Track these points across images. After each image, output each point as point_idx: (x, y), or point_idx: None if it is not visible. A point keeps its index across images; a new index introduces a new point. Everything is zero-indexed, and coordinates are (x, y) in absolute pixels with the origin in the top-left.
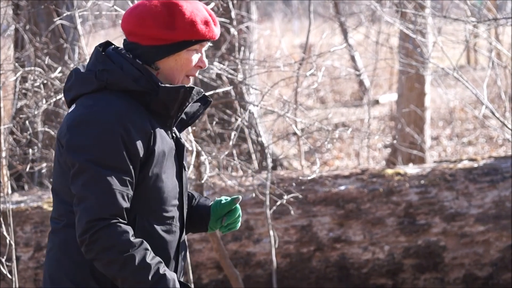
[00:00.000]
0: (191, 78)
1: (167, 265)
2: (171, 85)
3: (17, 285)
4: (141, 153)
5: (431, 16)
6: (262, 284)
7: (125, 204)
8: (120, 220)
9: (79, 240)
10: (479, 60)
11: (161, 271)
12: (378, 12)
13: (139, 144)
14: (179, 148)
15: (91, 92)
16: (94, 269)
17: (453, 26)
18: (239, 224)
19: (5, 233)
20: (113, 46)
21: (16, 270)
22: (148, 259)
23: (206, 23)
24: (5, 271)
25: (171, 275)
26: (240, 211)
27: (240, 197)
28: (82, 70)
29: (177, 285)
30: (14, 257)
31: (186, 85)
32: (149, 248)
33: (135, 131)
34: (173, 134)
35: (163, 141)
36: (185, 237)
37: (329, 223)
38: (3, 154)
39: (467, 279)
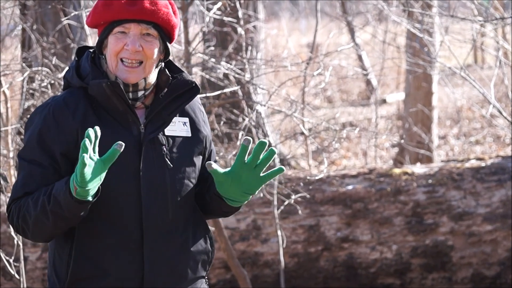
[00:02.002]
0: (140, 68)
1: (102, 263)
2: (97, 80)
3: (25, 286)
4: (61, 146)
5: (438, 15)
6: (270, 284)
7: (28, 191)
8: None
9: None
10: (486, 59)
11: (50, 187)
12: (385, 11)
13: (58, 138)
14: (145, 144)
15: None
16: (55, 262)
17: (460, 25)
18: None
19: (12, 233)
20: None
21: (24, 270)
22: (38, 194)
23: (108, 4)
24: (13, 272)
25: (57, 184)
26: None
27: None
28: None
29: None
30: (22, 257)
31: (109, 80)
32: (34, 195)
33: (59, 127)
34: (141, 130)
35: (103, 137)
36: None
37: (337, 222)
38: (11, 155)
39: (475, 278)
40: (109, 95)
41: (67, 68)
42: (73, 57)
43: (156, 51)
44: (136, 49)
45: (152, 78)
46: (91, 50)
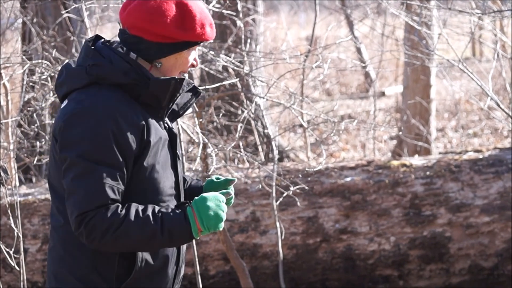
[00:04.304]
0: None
1: (167, 252)
2: (163, 78)
3: (25, 277)
4: (134, 146)
5: (436, 8)
6: (269, 275)
7: (114, 196)
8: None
9: (77, 235)
10: (484, 52)
11: (158, 213)
12: (383, 4)
13: (131, 138)
14: (172, 138)
15: (83, 87)
16: (97, 263)
17: (458, 18)
18: (231, 204)
19: (13, 225)
20: (102, 40)
21: (24, 262)
22: (142, 215)
23: (211, 25)
24: (13, 263)
25: (169, 209)
26: (233, 193)
27: (236, 179)
28: (72, 65)
29: (177, 212)
30: (22, 249)
31: (176, 77)
32: (138, 206)
33: (127, 125)
34: (165, 125)
35: (157, 132)
36: None
37: (335, 214)
38: (11, 147)
39: (472, 269)
40: (169, 92)
41: (92, 63)
42: (73, 50)
43: None
44: (198, 64)
45: None
46: (108, 44)
